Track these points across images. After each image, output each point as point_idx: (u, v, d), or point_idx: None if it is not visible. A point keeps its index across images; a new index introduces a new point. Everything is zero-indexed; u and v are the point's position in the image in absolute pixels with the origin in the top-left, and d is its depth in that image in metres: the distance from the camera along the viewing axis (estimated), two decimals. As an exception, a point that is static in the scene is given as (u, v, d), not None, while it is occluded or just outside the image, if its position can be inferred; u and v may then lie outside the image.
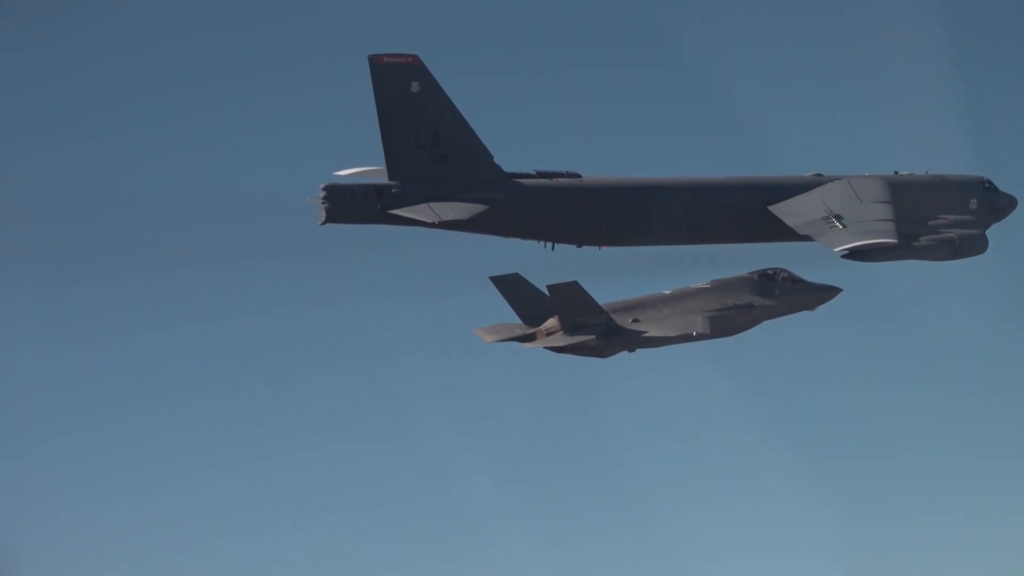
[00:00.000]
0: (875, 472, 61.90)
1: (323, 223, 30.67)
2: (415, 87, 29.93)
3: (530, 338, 34.47)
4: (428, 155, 30.11)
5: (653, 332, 35.30)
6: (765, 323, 37.68)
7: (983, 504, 63.66)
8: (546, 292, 33.39)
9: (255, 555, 64.21)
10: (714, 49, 74.86)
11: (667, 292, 35.81)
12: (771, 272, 35.91)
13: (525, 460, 57.63)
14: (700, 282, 37.52)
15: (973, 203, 35.18)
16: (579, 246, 33.77)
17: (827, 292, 36.34)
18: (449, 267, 34.90)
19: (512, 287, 34.09)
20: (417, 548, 63.31)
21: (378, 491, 64.89)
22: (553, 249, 33.51)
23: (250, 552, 64.34)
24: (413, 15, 66.96)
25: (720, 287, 36.06)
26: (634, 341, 34.91)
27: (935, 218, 33.90)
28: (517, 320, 36.06)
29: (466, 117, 31.37)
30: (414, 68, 30.05)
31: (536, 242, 33.65)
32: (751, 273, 36.36)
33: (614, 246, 34.29)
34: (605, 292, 35.50)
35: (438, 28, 69.21)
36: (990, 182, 36.39)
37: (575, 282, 32.19)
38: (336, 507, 63.68)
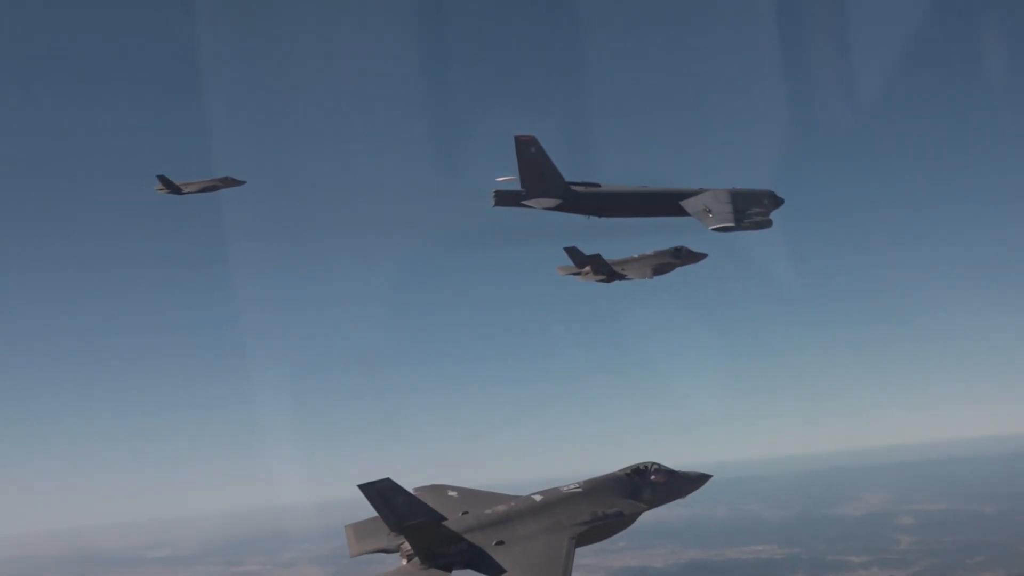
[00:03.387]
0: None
1: (494, 206, 51.09)
2: (533, 150, 50.18)
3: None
4: (538, 179, 50.33)
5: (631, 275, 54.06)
6: (677, 270, 55.44)
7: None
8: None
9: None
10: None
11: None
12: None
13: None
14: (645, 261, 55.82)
15: (766, 202, 53.90)
16: (599, 216, 52.74)
17: None
18: (545, 224, 54.22)
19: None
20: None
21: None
22: (588, 218, 52.80)
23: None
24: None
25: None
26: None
27: (750, 210, 51.98)
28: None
29: (553, 159, 50.92)
30: (533, 141, 50.35)
31: (580, 216, 53.04)
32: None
33: (613, 217, 53.72)
34: (606, 244, 54.23)
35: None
36: (773, 192, 55.42)
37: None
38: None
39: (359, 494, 30.14)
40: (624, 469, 33.93)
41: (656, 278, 55.41)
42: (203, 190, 54.70)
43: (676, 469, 34.66)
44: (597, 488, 32.97)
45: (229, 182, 55.23)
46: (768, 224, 53.39)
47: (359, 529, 31.80)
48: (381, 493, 29.70)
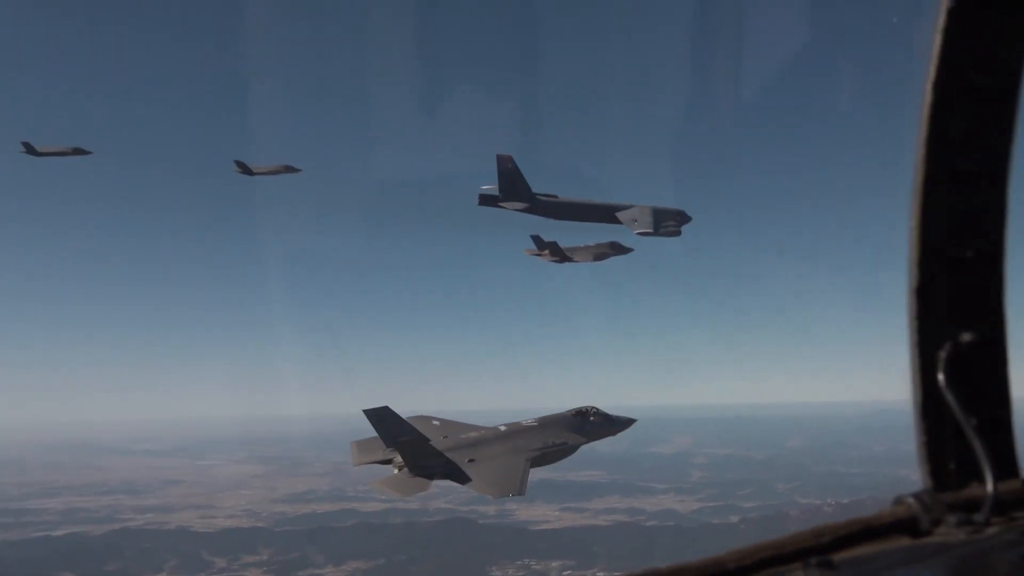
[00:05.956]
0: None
1: (478, 205, 49.73)
2: (510, 166, 49.17)
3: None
4: (511, 187, 49.37)
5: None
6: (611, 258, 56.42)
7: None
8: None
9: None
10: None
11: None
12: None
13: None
14: None
15: (678, 218, 52.91)
16: (556, 219, 51.84)
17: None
18: (513, 221, 52.20)
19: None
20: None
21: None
22: (548, 219, 51.66)
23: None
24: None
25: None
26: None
27: (665, 222, 52.02)
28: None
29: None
30: (510, 159, 49.39)
31: (540, 217, 51.43)
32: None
33: (566, 220, 52.42)
34: (560, 235, 52.90)
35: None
36: (684, 211, 54.29)
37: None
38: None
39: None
40: (570, 410, 34.04)
41: (596, 263, 56.02)
42: (268, 173, 53.56)
43: (610, 413, 35.13)
44: (549, 424, 33.07)
45: (289, 169, 54.29)
46: (677, 234, 54.33)
47: (361, 445, 31.07)
48: (380, 416, 29.34)
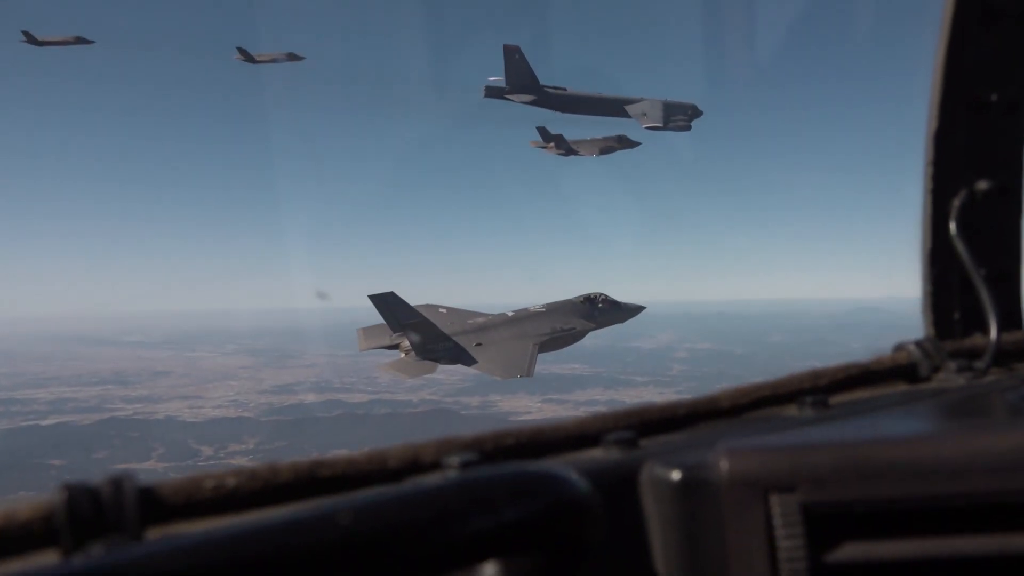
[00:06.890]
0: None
1: (484, 98, 47.25)
2: (517, 56, 47.13)
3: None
4: (518, 79, 47.18)
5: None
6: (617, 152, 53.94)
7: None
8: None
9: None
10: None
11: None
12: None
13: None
14: None
15: (688, 112, 51.64)
16: (563, 112, 49.77)
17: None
18: (519, 115, 49.60)
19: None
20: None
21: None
22: (555, 112, 49.55)
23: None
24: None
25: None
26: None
27: (675, 116, 50.94)
28: None
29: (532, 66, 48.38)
30: (517, 49, 46.93)
31: (547, 110, 49.27)
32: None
33: (574, 113, 50.23)
34: (566, 128, 51.48)
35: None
36: (695, 105, 52.14)
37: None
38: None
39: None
40: (578, 297, 33.11)
41: (601, 156, 53.05)
42: (271, 61, 50.96)
43: (618, 300, 34.09)
44: (557, 309, 32.44)
45: (293, 57, 51.56)
46: (687, 128, 52.18)
47: (367, 331, 30.35)
48: (386, 301, 28.50)
